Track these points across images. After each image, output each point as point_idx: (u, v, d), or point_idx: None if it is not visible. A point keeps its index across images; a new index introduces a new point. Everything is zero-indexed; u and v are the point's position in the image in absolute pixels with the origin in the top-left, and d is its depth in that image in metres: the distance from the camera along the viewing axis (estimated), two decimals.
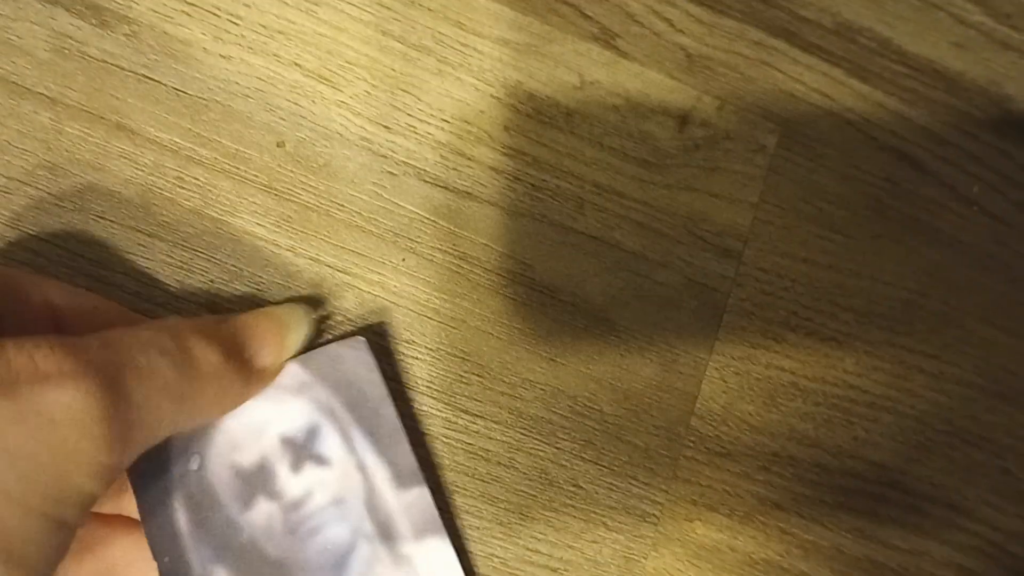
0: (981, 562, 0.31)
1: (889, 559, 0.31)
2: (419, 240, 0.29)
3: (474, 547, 0.29)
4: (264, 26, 0.29)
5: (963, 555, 0.31)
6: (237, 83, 0.29)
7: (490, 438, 0.29)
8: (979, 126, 0.33)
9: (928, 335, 0.31)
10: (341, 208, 0.29)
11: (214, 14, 0.29)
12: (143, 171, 0.28)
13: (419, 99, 0.30)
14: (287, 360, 0.26)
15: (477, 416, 0.29)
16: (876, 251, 0.32)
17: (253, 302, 0.28)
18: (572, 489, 0.29)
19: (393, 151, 0.29)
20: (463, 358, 0.29)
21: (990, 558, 0.31)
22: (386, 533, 0.25)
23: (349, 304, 0.29)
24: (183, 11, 0.29)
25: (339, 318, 0.29)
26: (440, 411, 0.29)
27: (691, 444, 0.30)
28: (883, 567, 0.30)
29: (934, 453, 0.31)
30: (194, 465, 0.25)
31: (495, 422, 0.29)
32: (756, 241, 0.31)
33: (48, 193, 0.28)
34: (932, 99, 0.33)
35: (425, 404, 0.29)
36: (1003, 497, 0.31)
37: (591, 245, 0.30)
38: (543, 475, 0.29)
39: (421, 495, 0.26)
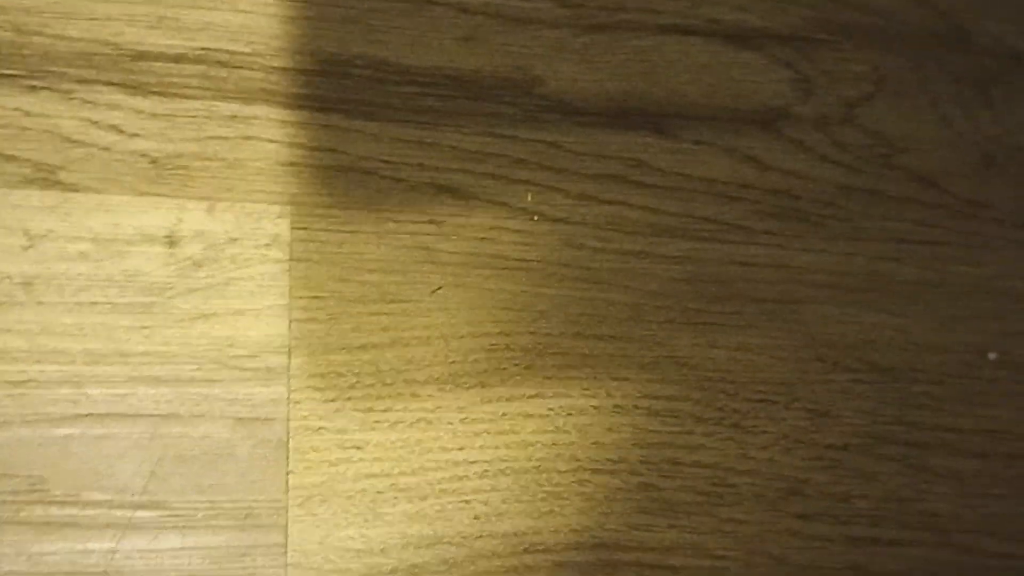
0: None
1: None
2: None
3: None
4: None
5: None
6: None
7: None
8: (514, 124, 0.29)
9: (522, 375, 0.28)
10: None
11: None
12: None
13: None
14: None
15: None
16: (441, 306, 0.28)
17: None
18: None
19: None
20: None
21: None
22: None
23: None
24: None
25: None
26: None
27: None
28: None
29: (566, 500, 0.28)
30: None
31: None
32: (302, 347, 0.27)
33: None
34: (454, 111, 0.29)
35: None
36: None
37: (103, 426, 0.25)
38: None
39: None
